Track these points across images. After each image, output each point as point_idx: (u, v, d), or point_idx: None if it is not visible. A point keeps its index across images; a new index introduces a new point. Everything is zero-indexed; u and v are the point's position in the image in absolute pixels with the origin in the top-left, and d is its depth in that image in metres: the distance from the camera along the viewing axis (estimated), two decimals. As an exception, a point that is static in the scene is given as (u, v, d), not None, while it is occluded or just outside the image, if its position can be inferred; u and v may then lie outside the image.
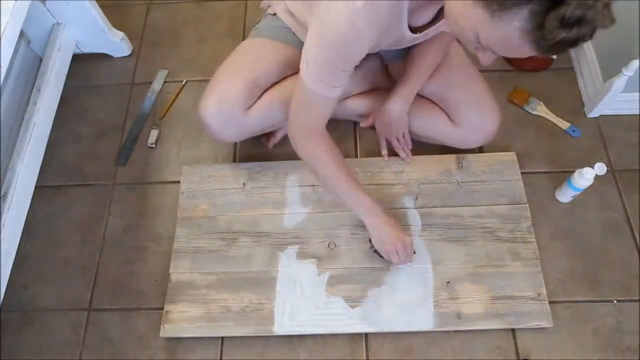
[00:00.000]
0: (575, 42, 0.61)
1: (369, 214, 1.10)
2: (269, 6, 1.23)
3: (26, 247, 1.27)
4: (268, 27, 1.21)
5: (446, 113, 1.21)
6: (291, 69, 1.17)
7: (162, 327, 1.12)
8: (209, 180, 1.29)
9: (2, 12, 0.98)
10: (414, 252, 1.15)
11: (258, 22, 1.25)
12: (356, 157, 1.34)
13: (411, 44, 1.05)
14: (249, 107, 1.15)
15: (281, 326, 1.11)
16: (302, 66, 0.93)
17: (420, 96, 1.21)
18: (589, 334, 1.11)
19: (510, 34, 0.64)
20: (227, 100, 1.12)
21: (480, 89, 1.19)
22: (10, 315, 1.20)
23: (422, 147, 1.33)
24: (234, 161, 1.35)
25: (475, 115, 1.18)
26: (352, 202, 1.11)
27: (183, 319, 1.13)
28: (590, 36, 0.60)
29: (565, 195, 1.22)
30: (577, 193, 1.20)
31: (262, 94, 1.16)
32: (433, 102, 1.23)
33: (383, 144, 1.29)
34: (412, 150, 1.29)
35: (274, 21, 1.20)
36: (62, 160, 1.40)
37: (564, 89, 1.41)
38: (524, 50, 0.65)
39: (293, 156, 1.31)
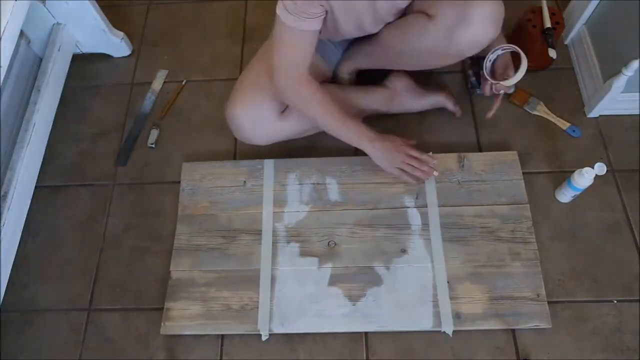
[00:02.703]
0: None
1: (367, 141, 1.12)
2: None
3: (26, 247, 1.27)
4: None
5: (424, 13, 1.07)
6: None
7: (162, 324, 1.13)
8: (210, 177, 1.29)
9: (2, 12, 0.98)
10: (432, 158, 1.12)
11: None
12: (356, 155, 1.34)
13: (390, 18, 1.07)
14: (282, 112, 1.16)
15: (281, 324, 1.11)
16: (278, 4, 0.96)
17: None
18: (588, 334, 1.11)
19: None
20: (259, 106, 1.12)
21: None
22: (10, 315, 1.20)
23: (422, 145, 1.33)
24: (234, 159, 1.35)
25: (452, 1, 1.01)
26: (348, 135, 1.12)
27: (183, 317, 1.13)
28: None
29: (565, 195, 1.22)
30: (577, 193, 1.20)
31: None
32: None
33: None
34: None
35: None
36: (62, 160, 1.40)
37: (564, 89, 1.41)
38: None
39: (293, 154, 1.32)
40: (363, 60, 1.29)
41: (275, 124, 1.15)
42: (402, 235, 1.19)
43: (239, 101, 1.13)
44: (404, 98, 1.33)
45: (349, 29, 1.12)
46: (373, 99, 1.31)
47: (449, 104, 1.34)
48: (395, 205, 1.22)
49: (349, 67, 1.32)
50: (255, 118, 1.13)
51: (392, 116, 1.37)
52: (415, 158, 1.14)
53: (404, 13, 1.14)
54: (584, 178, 1.14)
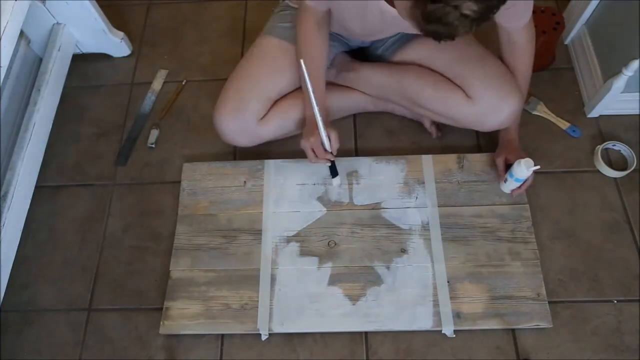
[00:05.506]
0: (436, 35, 0.73)
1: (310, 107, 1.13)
2: None
3: (26, 247, 1.27)
4: (283, 27, 1.23)
5: (462, 90, 1.15)
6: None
7: (161, 323, 1.13)
8: (210, 177, 1.29)
9: (2, 12, 0.98)
10: (332, 154, 1.16)
11: (275, 13, 1.28)
12: (356, 155, 1.34)
13: (398, 30, 1.12)
14: (262, 118, 1.20)
15: (281, 324, 1.11)
16: None
17: (433, 71, 1.19)
18: (589, 334, 1.11)
19: (402, 8, 0.76)
20: (241, 115, 1.18)
21: (498, 65, 1.16)
22: (10, 315, 1.20)
23: (422, 146, 1.34)
24: (234, 159, 1.36)
25: (492, 91, 1.12)
26: (305, 90, 1.13)
27: (182, 316, 1.13)
28: (449, 37, 0.71)
29: (505, 185, 1.21)
30: (518, 184, 1.17)
31: (275, 103, 1.22)
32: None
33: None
34: (407, 147, 1.30)
35: (289, 18, 1.22)
36: (62, 160, 1.40)
37: (564, 89, 1.41)
38: (412, 25, 0.76)
39: (293, 154, 1.32)
40: (367, 76, 1.29)
41: (256, 129, 1.20)
42: (402, 235, 1.19)
43: (222, 109, 1.20)
44: (382, 103, 1.35)
45: (355, 28, 1.13)
46: (355, 99, 1.33)
47: (427, 122, 1.34)
48: (395, 205, 1.22)
49: (347, 78, 1.32)
50: (237, 125, 1.20)
51: (395, 117, 1.38)
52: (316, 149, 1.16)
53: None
54: (521, 168, 1.11)
